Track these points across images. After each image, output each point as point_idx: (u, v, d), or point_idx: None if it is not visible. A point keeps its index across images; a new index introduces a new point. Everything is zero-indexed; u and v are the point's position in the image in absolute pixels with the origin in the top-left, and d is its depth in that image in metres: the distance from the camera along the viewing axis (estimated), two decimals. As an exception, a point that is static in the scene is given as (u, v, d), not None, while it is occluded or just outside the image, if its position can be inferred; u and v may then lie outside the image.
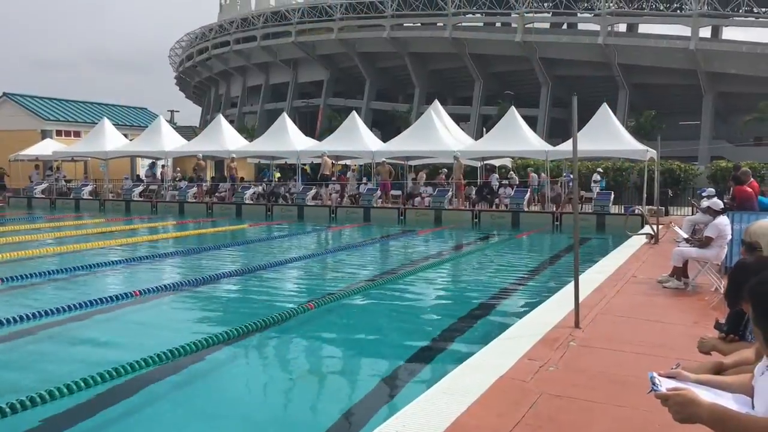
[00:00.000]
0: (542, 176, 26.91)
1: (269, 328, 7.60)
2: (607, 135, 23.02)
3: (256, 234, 20.16)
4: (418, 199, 26.01)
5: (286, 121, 29.86)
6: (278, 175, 32.41)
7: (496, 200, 25.00)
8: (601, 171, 27.46)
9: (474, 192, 25.86)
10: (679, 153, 34.08)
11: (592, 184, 26.34)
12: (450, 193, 25.30)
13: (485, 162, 27.40)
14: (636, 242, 14.74)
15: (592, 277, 9.60)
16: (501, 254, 16.54)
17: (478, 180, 26.80)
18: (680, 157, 31.98)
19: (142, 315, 8.81)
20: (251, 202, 27.69)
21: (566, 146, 23.65)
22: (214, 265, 13.03)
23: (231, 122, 41.33)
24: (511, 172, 28.32)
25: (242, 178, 32.01)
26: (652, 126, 48.48)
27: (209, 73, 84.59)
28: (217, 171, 37.12)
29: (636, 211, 20.04)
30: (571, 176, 24.65)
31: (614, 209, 23.25)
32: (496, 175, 27.28)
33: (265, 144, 29.20)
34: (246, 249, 16.26)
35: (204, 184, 29.79)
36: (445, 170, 28.13)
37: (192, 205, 28.01)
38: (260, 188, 29.40)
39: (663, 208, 22.37)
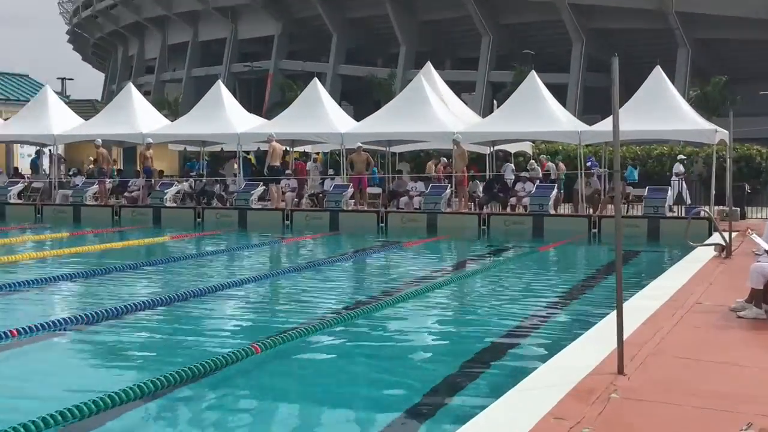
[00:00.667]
0: (561, 166, 27.06)
1: (199, 378, 7.57)
2: (662, 110, 23.25)
3: (181, 249, 20.06)
4: (404, 199, 26.02)
5: (221, 92, 29.84)
6: (253, 160, 32.73)
7: (512, 200, 25.13)
8: (684, 158, 27.55)
9: (481, 189, 25.97)
10: (759, 134, 34.46)
11: (673, 178, 26.30)
12: (448, 191, 25.38)
13: (497, 148, 27.54)
14: (701, 256, 14.89)
15: (642, 305, 9.70)
16: (518, 275, 16.63)
17: (487, 173, 26.92)
18: (762, 140, 32.34)
19: (24, 361, 8.73)
20: (174, 204, 27.63)
21: (605, 125, 23.81)
22: (121, 294, 12.97)
23: (146, 94, 41.23)
24: (532, 161, 28.50)
25: (161, 172, 31.89)
26: (723, 97, 48.96)
27: (114, 26, 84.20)
28: (127, 162, 36.93)
29: (701, 214, 20.25)
30: (596, 163, 25.06)
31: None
32: (512, 166, 27.42)
33: (194, 124, 29.14)
34: (167, 270, 16.19)
35: (109, 181, 29.61)
36: (444, 159, 28.25)
37: (92, 209, 27.89)
38: (186, 185, 29.31)
39: (738, 209, 22.62)
